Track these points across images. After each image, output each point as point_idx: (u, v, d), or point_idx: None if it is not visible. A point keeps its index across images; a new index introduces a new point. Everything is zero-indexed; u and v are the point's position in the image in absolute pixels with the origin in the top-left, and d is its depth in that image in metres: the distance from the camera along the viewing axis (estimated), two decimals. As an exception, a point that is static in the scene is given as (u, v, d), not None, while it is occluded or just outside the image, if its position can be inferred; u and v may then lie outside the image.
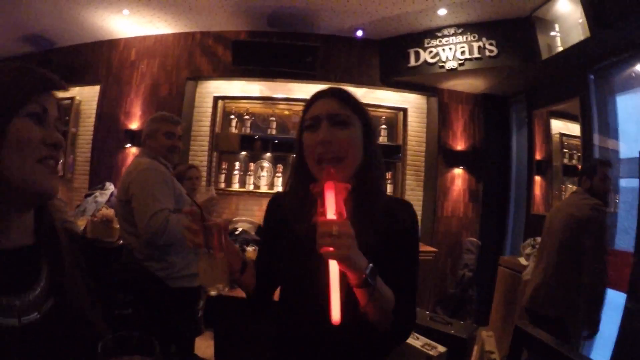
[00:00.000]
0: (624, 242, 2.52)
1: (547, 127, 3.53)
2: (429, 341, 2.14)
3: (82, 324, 0.50)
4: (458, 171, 3.73)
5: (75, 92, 4.07)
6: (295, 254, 0.82)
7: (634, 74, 2.65)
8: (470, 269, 3.63)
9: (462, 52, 3.28)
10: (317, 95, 0.83)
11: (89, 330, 0.52)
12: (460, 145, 3.75)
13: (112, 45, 3.99)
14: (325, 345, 0.77)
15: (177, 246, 1.65)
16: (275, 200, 0.92)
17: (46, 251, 0.54)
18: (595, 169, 2.10)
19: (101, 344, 0.45)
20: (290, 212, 0.83)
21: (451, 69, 3.34)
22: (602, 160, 2.21)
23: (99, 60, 4.01)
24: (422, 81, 3.61)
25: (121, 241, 3.32)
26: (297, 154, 0.84)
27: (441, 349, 2.10)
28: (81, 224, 3.36)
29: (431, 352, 2.10)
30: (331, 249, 0.61)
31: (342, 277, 0.66)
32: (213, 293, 0.75)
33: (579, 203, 2.10)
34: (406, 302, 0.76)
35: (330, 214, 0.65)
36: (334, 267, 0.65)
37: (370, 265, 0.67)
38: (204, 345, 2.74)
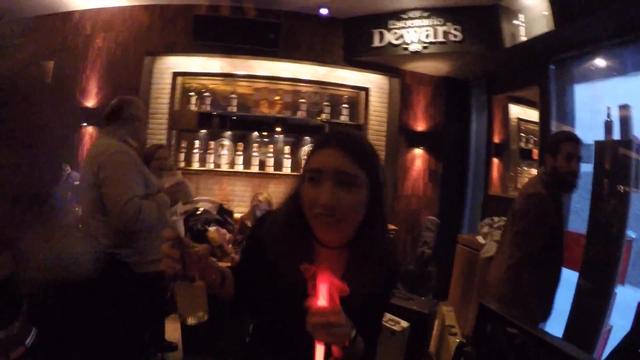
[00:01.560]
0: (576, 223, 2.64)
1: (506, 112, 3.65)
2: (392, 317, 2.22)
3: (68, 349, 0.50)
4: (418, 151, 3.83)
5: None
6: (277, 299, 0.77)
7: (592, 67, 2.74)
8: (429, 247, 3.76)
9: (427, 36, 3.32)
10: (324, 142, 0.73)
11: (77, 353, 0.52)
12: (421, 126, 3.84)
13: (65, 18, 3.78)
14: None
15: (146, 231, 1.64)
16: (266, 222, 0.83)
17: (25, 282, 0.52)
18: (559, 145, 1.74)
19: None
20: (276, 254, 0.75)
21: (415, 51, 3.38)
22: (568, 134, 1.83)
23: (52, 33, 3.80)
24: (386, 62, 3.64)
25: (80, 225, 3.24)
26: (294, 197, 0.76)
27: (404, 324, 2.19)
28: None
29: (395, 327, 2.18)
30: (324, 335, 0.62)
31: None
32: (192, 322, 0.70)
33: (522, 190, 1.89)
34: (371, 344, 0.77)
35: (322, 301, 0.63)
36: (320, 349, 0.65)
37: (354, 332, 0.67)
38: (171, 328, 2.72)
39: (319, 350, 0.64)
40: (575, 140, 1.77)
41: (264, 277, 0.78)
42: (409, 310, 2.35)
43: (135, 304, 1.63)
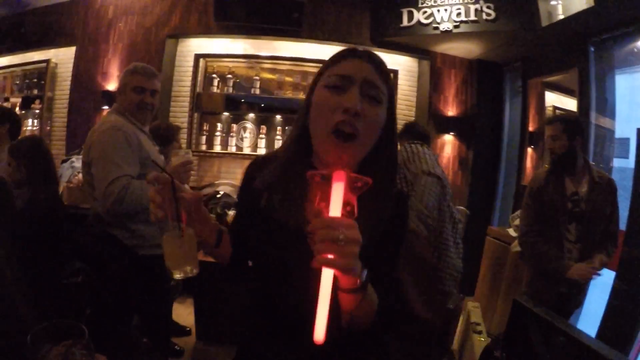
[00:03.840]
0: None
1: (542, 99, 3.43)
2: None
3: (12, 318, 0.48)
4: (448, 137, 3.64)
5: (51, 54, 3.86)
6: (275, 242, 0.69)
7: (635, 50, 2.53)
8: (460, 238, 3.57)
9: (458, 14, 3.13)
10: (351, 53, 0.67)
11: (19, 324, 0.50)
12: (451, 111, 3.64)
13: (88, 3, 3.77)
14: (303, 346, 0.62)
15: (143, 214, 1.48)
16: (257, 166, 0.78)
17: None
18: (544, 128, 1.89)
19: (30, 334, 0.44)
20: (276, 190, 0.69)
21: (446, 30, 3.20)
22: (551, 118, 1.99)
23: (74, 19, 3.79)
24: (415, 43, 3.47)
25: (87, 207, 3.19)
26: (301, 118, 0.70)
27: None
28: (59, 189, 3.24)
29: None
30: (331, 255, 0.49)
31: (333, 282, 0.52)
32: (178, 276, 0.64)
33: None
34: (387, 295, 0.68)
35: (335, 211, 0.51)
36: (327, 276, 0.51)
37: (365, 270, 0.57)
38: (186, 313, 2.68)
39: (326, 280, 0.50)
40: (553, 121, 1.87)
41: (261, 224, 0.72)
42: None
43: (129, 287, 1.53)
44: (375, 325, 0.66)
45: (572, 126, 1.79)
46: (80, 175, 3.32)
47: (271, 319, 0.73)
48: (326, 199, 0.53)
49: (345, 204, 0.52)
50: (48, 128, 3.85)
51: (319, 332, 0.51)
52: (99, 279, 1.64)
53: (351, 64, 0.65)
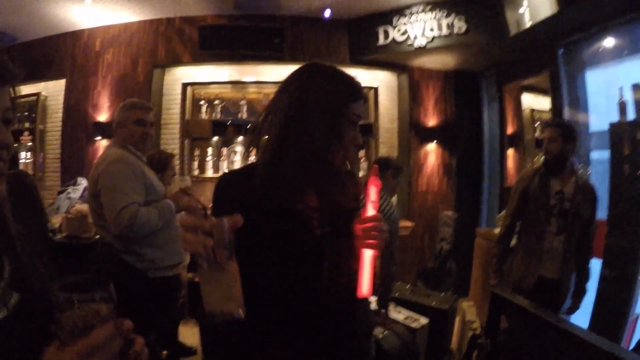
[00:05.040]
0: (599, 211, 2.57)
1: (518, 102, 3.59)
2: (411, 314, 2.19)
3: (50, 320, 0.46)
4: (431, 146, 3.79)
5: (41, 87, 3.94)
6: (286, 234, 0.77)
7: (601, 49, 2.69)
8: (447, 242, 3.70)
9: (431, 29, 3.29)
10: (360, 93, 0.83)
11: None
12: (432, 121, 3.80)
13: (75, 36, 3.87)
14: (317, 309, 0.76)
15: (150, 238, 1.64)
16: (230, 179, 0.84)
17: (2, 245, 0.51)
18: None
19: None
20: (292, 185, 0.76)
21: (420, 46, 3.36)
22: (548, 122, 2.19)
23: (63, 53, 3.88)
24: (392, 59, 3.63)
25: (98, 236, 3.26)
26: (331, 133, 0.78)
27: (423, 320, 2.15)
28: (56, 222, 3.30)
29: (413, 325, 2.15)
30: (372, 241, 0.74)
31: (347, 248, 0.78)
32: (220, 320, 0.55)
33: None
34: None
35: (372, 209, 0.76)
36: (368, 253, 0.76)
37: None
38: (190, 333, 2.72)
39: (368, 255, 0.76)
40: (551, 125, 2.03)
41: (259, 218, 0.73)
42: (428, 306, 2.32)
43: (142, 308, 1.61)
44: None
45: (568, 131, 1.94)
46: (78, 205, 3.40)
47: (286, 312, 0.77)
48: (366, 199, 0.77)
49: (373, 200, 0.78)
50: (41, 160, 3.92)
51: (365, 287, 0.76)
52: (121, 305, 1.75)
53: (361, 106, 0.83)
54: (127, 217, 1.51)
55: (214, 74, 3.63)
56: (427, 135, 3.74)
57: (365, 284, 0.75)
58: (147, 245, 1.65)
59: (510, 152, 3.72)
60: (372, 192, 0.77)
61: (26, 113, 3.95)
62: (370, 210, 0.76)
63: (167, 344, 2.45)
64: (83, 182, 3.62)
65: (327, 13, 3.51)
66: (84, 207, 3.36)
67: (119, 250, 1.64)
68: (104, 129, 3.58)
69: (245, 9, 3.49)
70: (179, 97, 3.55)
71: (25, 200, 1.95)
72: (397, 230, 2.32)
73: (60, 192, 3.62)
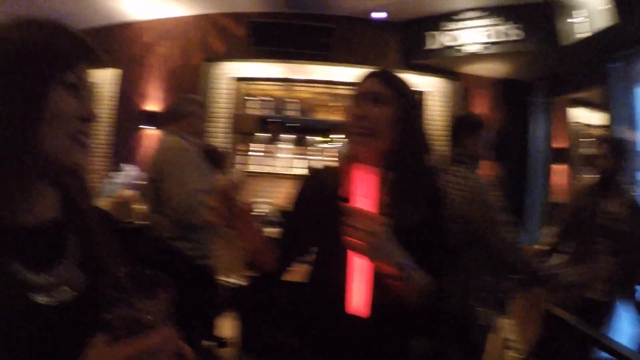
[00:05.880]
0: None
1: (567, 115, 3.48)
2: None
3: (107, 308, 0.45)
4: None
5: (93, 75, 4.07)
6: (330, 232, 0.78)
7: None
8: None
9: (486, 36, 3.21)
10: (364, 77, 0.85)
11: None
12: (480, 131, 3.69)
13: (128, 27, 3.97)
14: (353, 330, 0.74)
15: (207, 226, 1.67)
16: (314, 175, 0.92)
17: (73, 225, 0.52)
18: None
19: (107, 280, 0.40)
20: (331, 188, 0.83)
21: (473, 52, 3.28)
22: None
23: (115, 43, 3.99)
24: (443, 64, 3.55)
25: (139, 222, 3.32)
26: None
27: None
28: (100, 205, 3.40)
29: None
30: (358, 241, 0.61)
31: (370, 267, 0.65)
32: (234, 281, 0.74)
33: None
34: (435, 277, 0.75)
35: (361, 201, 0.63)
36: (358, 260, 0.64)
37: (407, 260, 0.66)
38: (226, 325, 2.74)
39: (357, 263, 0.63)
40: (603, 141, 1.98)
41: (320, 215, 0.81)
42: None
43: (190, 295, 1.65)
44: (426, 307, 0.74)
45: (620, 148, 1.89)
46: (123, 191, 3.50)
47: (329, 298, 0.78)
48: (352, 190, 0.64)
49: (367, 194, 0.63)
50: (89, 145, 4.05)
51: (356, 302, 0.64)
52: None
53: (361, 85, 0.84)
54: (190, 204, 1.55)
55: (263, 70, 3.65)
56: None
57: (356, 298, 0.64)
58: (202, 233, 1.68)
59: (557, 166, 3.58)
60: (357, 182, 0.65)
61: (77, 99, 4.10)
62: (360, 202, 0.63)
63: (208, 334, 2.48)
64: (129, 169, 3.72)
65: (377, 15, 3.47)
66: (129, 192, 3.46)
67: (170, 237, 1.66)
68: (152, 119, 3.67)
69: (296, 7, 3.49)
70: (227, 91, 3.59)
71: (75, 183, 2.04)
72: (492, 218, 1.47)
73: (106, 177, 3.74)
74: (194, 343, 1.90)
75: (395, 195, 0.75)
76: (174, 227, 1.65)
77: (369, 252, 0.62)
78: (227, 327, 2.71)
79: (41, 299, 0.44)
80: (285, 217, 1.00)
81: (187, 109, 1.80)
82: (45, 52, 0.46)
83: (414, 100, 0.85)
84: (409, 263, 0.67)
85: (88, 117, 0.50)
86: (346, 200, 0.67)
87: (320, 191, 0.85)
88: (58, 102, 0.46)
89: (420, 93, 3.68)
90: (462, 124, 1.70)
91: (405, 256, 0.67)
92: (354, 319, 0.67)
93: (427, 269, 0.72)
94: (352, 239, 0.61)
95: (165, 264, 1.69)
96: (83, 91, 0.50)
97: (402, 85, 0.84)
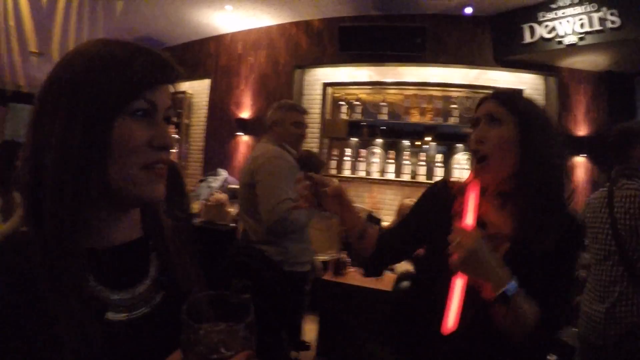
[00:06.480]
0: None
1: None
2: None
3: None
4: (580, 159, 3.45)
5: (186, 86, 4.40)
6: (440, 249, 0.79)
7: None
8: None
9: (582, 25, 2.98)
10: (481, 100, 0.86)
11: None
12: (582, 131, 3.45)
13: (218, 40, 4.24)
14: (445, 348, 0.75)
15: (296, 234, 1.69)
16: (440, 186, 0.92)
17: (154, 244, 0.52)
18: None
19: (185, 306, 0.39)
20: (448, 205, 0.83)
21: (570, 44, 3.07)
22: None
23: (207, 55, 4.28)
24: (539, 59, 3.35)
25: (233, 224, 3.48)
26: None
27: (551, 357, 1.95)
28: (196, 207, 3.66)
29: None
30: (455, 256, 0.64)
31: (472, 287, 0.66)
32: (323, 258, 0.78)
33: None
34: (549, 316, 0.72)
35: (469, 219, 0.66)
36: (459, 280, 0.67)
37: (511, 283, 0.66)
38: (307, 329, 2.78)
39: (458, 283, 0.65)
40: None
41: (436, 227, 0.82)
42: (555, 341, 2.11)
43: (277, 300, 1.66)
44: (530, 339, 0.70)
45: None
46: (217, 194, 3.74)
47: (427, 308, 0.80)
48: (460, 207, 0.67)
49: (477, 214, 0.65)
50: (185, 151, 4.39)
51: (449, 322, 0.65)
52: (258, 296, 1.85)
53: (479, 109, 0.83)
54: (282, 212, 1.56)
55: (353, 74, 3.69)
56: (576, 146, 3.40)
57: (450, 316, 0.66)
58: (291, 240, 1.70)
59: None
60: (471, 199, 0.66)
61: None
62: (468, 220, 0.65)
63: (294, 340, 2.53)
64: (223, 174, 3.97)
65: (468, 10, 3.37)
66: (223, 196, 3.68)
67: (259, 241, 1.70)
68: (245, 126, 3.88)
69: (384, 9, 3.49)
70: (318, 97, 3.69)
71: (175, 186, 2.18)
72: None
73: (201, 181, 4.02)
74: (279, 349, 1.91)
75: (520, 220, 0.74)
76: (264, 233, 1.68)
77: (463, 266, 0.64)
78: (306, 330, 2.76)
79: (118, 316, 0.45)
80: (400, 220, 1.02)
81: (279, 116, 1.80)
82: (115, 76, 0.43)
83: (536, 119, 0.78)
84: (513, 286, 0.66)
85: (163, 145, 0.46)
86: (455, 217, 0.71)
87: (437, 203, 0.87)
88: (126, 132, 0.43)
89: (519, 91, 3.53)
90: (625, 135, 1.59)
91: (509, 278, 0.66)
92: (449, 338, 0.69)
93: (544, 299, 0.70)
94: (452, 254, 0.64)
95: (253, 269, 1.70)
96: (156, 116, 0.46)
97: (520, 104, 0.81)
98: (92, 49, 0.45)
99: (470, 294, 0.67)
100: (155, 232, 0.53)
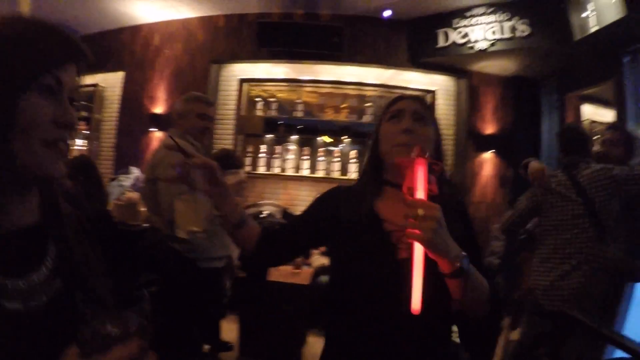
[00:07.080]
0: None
1: (578, 112, 3.40)
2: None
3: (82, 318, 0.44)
4: (487, 156, 3.63)
5: (99, 79, 4.07)
6: (355, 241, 0.82)
7: None
8: (497, 257, 3.54)
9: (493, 32, 3.17)
10: (401, 97, 0.89)
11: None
12: (489, 129, 3.64)
13: (135, 31, 3.97)
14: (396, 335, 0.74)
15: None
16: (335, 191, 0.94)
17: (52, 230, 0.50)
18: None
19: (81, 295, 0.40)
20: (356, 198, 0.85)
21: (481, 49, 3.23)
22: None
23: (122, 46, 4.00)
24: (451, 62, 3.50)
25: (145, 224, 3.28)
26: (372, 146, 0.88)
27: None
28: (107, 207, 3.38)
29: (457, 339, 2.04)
30: (416, 231, 0.60)
31: (431, 265, 0.64)
32: (182, 235, 0.73)
33: None
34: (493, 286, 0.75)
35: (420, 193, 0.63)
36: (418, 251, 0.63)
37: (464, 254, 0.65)
38: (228, 329, 2.71)
39: (418, 254, 0.62)
40: (617, 128, 1.99)
41: (336, 227, 0.85)
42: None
43: (188, 295, 1.62)
44: (489, 315, 0.73)
45: (632, 139, 1.81)
46: (129, 193, 3.48)
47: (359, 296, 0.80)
48: (412, 183, 0.65)
49: (427, 186, 0.65)
50: (96, 148, 4.05)
51: (415, 302, 0.62)
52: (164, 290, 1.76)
53: (402, 103, 0.86)
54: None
55: (270, 71, 3.63)
56: (484, 143, 3.58)
57: (415, 294, 0.62)
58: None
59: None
60: (419, 173, 0.65)
61: (83, 102, 4.10)
62: (419, 193, 0.63)
63: (210, 338, 2.44)
64: (135, 171, 3.70)
65: (386, 13, 3.44)
66: (135, 195, 3.44)
67: (169, 238, 1.60)
68: (159, 121, 3.65)
69: (304, 7, 3.47)
70: (234, 93, 3.57)
71: (91, 178, 2.01)
72: None
73: (112, 180, 3.72)
74: (195, 346, 1.86)
75: (444, 207, 0.76)
76: (168, 228, 1.57)
77: (424, 239, 0.60)
78: (228, 330, 2.69)
79: (12, 305, 0.42)
80: (295, 218, 0.99)
81: (183, 108, 1.73)
82: (22, 52, 0.43)
83: (439, 129, 0.90)
84: (467, 258, 0.66)
85: (66, 123, 0.46)
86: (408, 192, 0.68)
87: (345, 202, 0.87)
88: (31, 108, 0.43)
89: (431, 92, 3.64)
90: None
91: (462, 251, 0.66)
92: (403, 317, 0.65)
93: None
94: (414, 229, 0.60)
95: (167, 267, 1.64)
96: (61, 95, 0.46)
97: (433, 113, 0.91)
98: (1, 24, 0.45)
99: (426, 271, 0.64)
100: (54, 218, 0.51)
